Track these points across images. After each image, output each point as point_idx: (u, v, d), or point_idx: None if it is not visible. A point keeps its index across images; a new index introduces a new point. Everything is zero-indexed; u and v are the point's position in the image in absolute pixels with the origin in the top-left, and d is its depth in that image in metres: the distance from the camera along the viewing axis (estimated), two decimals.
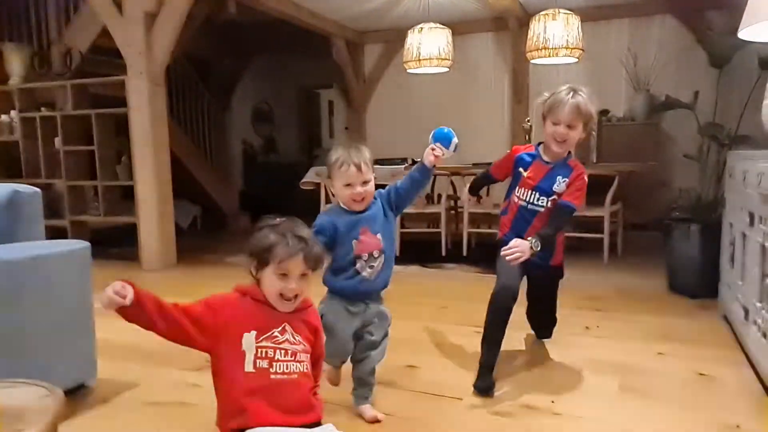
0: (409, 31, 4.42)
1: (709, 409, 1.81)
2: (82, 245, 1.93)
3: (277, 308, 1.29)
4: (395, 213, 1.77)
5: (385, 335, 1.76)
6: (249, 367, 1.24)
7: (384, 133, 6.20)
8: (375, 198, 1.72)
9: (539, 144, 2.07)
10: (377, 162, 4.94)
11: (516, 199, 2.04)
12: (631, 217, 4.48)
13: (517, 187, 2.03)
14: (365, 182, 1.63)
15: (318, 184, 4.64)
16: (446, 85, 5.71)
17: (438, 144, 1.73)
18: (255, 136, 7.94)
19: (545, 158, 2.01)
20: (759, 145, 2.38)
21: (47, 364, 1.74)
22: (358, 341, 1.72)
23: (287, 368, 1.26)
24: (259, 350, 1.25)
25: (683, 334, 2.56)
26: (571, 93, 1.91)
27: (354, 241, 1.64)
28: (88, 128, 4.51)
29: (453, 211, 4.92)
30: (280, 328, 1.29)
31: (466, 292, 3.38)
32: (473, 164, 4.43)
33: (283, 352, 1.27)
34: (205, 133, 6.41)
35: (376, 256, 1.67)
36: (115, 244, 4.83)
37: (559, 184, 1.97)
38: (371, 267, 1.67)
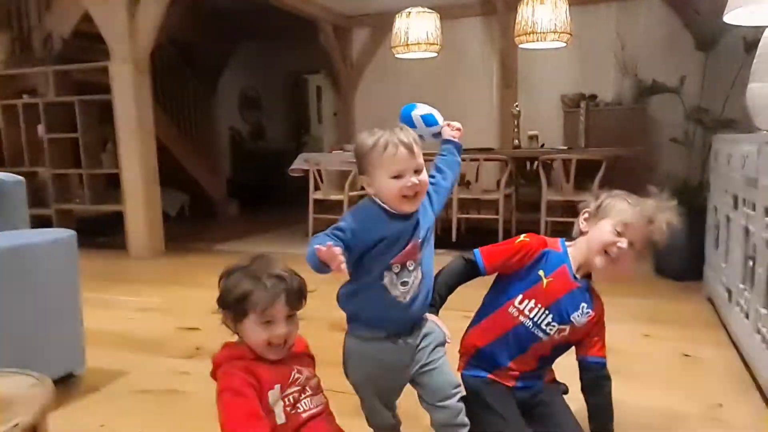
0: (396, 16, 4.39)
1: (694, 388, 1.85)
2: (67, 234, 1.91)
3: (268, 357, 1.16)
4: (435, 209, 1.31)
5: (442, 356, 1.29)
6: (281, 420, 1.15)
7: (372, 118, 6.16)
8: None
9: (565, 243, 1.43)
10: None
11: (514, 311, 1.38)
12: None
13: (523, 295, 1.38)
14: (418, 171, 1.19)
15: (306, 171, 4.63)
16: (435, 70, 5.68)
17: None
18: (242, 122, 7.88)
19: (575, 271, 1.39)
20: (744, 128, 2.40)
21: (35, 354, 1.74)
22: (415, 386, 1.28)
23: (312, 403, 1.20)
24: (286, 399, 1.17)
25: (669, 315, 2.60)
26: (652, 207, 1.35)
27: (395, 257, 1.20)
28: (72, 115, 4.45)
29: None
30: (295, 370, 1.20)
31: None
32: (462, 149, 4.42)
33: (303, 390, 1.20)
34: (192, 120, 6.34)
35: (411, 268, 1.21)
36: (102, 232, 4.80)
37: (582, 315, 1.37)
38: (404, 284, 1.21)
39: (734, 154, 2.26)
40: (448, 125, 1.41)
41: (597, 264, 1.35)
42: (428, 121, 1.41)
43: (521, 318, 1.37)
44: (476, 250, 1.41)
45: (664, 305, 2.74)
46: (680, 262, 3.09)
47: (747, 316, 1.95)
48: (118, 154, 4.20)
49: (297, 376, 1.20)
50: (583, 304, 1.38)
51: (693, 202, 3.10)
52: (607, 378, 1.41)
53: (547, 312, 1.36)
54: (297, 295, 1.15)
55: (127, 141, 4.12)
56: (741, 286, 2.05)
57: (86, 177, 4.56)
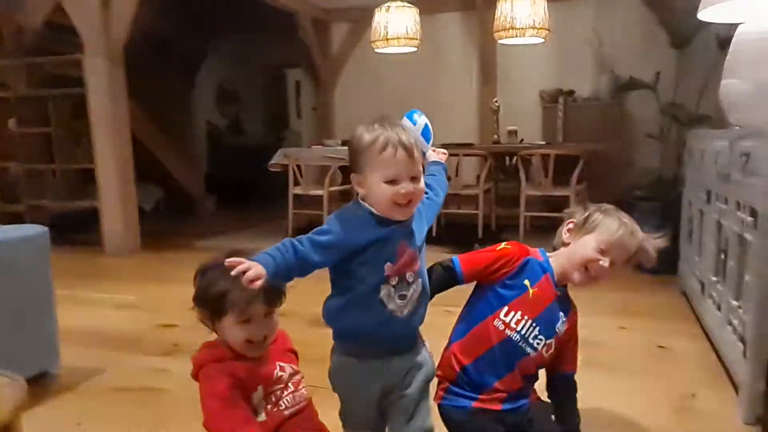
0: (376, 10, 4.37)
1: (668, 379, 1.89)
2: (39, 230, 1.87)
3: (248, 355, 1.15)
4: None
5: (425, 395, 1.19)
6: (261, 418, 1.15)
7: (352, 113, 6.14)
8: None
9: (545, 252, 1.38)
10: (345, 143, 4.93)
11: (500, 324, 1.29)
12: (596, 196, 4.57)
13: (509, 307, 1.29)
14: (416, 178, 1.08)
15: (286, 166, 4.59)
16: (414, 65, 5.68)
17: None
18: (220, 117, 7.78)
19: (557, 279, 1.33)
20: (718, 125, 2.45)
21: (7, 353, 1.70)
22: (384, 414, 1.18)
23: (294, 400, 1.20)
24: (268, 398, 1.17)
25: (644, 308, 2.65)
26: (639, 231, 1.34)
27: (388, 264, 1.10)
28: (44, 109, 4.35)
29: None
30: (277, 368, 1.19)
31: None
32: (441, 145, 4.43)
33: (285, 387, 1.20)
34: (168, 114, 6.23)
35: (410, 280, 1.12)
36: (77, 229, 4.70)
37: (561, 325, 1.33)
38: (402, 297, 1.11)
39: (707, 150, 2.31)
40: (434, 150, 1.37)
41: (575, 279, 1.31)
42: (426, 134, 1.33)
43: (508, 332, 1.28)
44: (455, 258, 1.32)
45: (640, 298, 2.79)
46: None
47: (719, 308, 1.99)
48: (92, 149, 4.12)
49: (280, 374, 1.19)
50: (562, 314, 1.33)
51: (668, 196, 3.16)
52: (576, 384, 1.39)
53: (534, 324, 1.28)
54: (275, 293, 1.13)
55: (101, 135, 4.04)
56: (713, 278, 2.10)
57: (59, 172, 4.47)
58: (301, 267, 1.05)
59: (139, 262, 3.97)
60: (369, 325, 1.11)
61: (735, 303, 1.78)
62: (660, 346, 2.17)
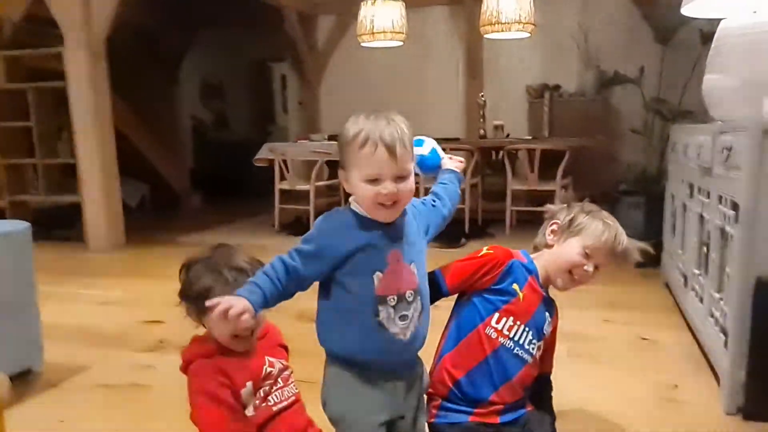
0: (362, 3, 4.35)
1: (651, 370, 1.91)
2: (21, 226, 1.85)
3: (236, 350, 1.15)
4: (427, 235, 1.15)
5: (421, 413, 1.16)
6: (250, 412, 1.15)
7: (338, 107, 6.12)
8: (405, 210, 1.07)
9: (527, 253, 1.33)
10: (332, 138, 4.91)
11: (492, 332, 1.23)
12: (581, 190, 4.61)
13: (499, 313, 1.23)
14: (401, 177, 0.99)
15: (272, 161, 4.56)
16: (400, 59, 5.67)
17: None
18: (205, 111, 7.70)
19: (542, 281, 1.30)
20: (701, 119, 2.48)
21: None
22: None
23: (283, 395, 1.19)
24: (257, 393, 1.16)
25: (628, 301, 2.68)
26: (623, 235, 1.30)
27: (377, 274, 1.01)
28: (25, 103, 4.27)
29: None
30: (266, 364, 1.19)
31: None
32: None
33: (275, 382, 1.20)
34: (152, 109, 6.15)
35: (410, 299, 1.04)
36: (59, 225, 4.63)
37: (548, 326, 1.30)
38: (403, 318, 1.03)
39: (690, 144, 2.33)
40: (450, 158, 1.31)
41: (558, 284, 1.29)
42: (426, 163, 1.29)
43: (501, 339, 1.22)
44: (437, 270, 1.25)
45: (624, 291, 2.82)
46: None
47: (701, 301, 2.02)
48: (74, 144, 4.06)
49: (269, 369, 1.19)
50: (547, 314, 1.29)
51: (652, 190, 3.20)
52: (551, 384, 1.39)
53: (526, 329, 1.24)
54: None
55: (83, 129, 3.98)
56: (696, 271, 2.13)
57: (41, 167, 4.40)
58: (297, 282, 1.00)
59: (124, 258, 3.93)
60: (369, 351, 1.02)
61: (717, 295, 1.81)
62: (643, 338, 2.20)
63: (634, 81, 3.74)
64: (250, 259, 1.16)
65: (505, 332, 1.22)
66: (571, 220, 1.29)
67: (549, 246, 1.31)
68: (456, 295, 1.31)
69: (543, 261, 1.30)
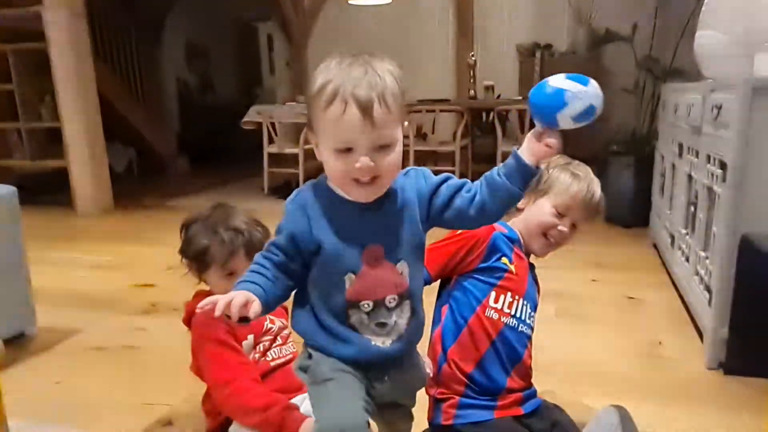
0: None
1: (636, 328, 1.96)
2: (8, 190, 1.82)
3: None
4: (430, 225, 0.89)
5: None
6: None
7: None
8: (395, 189, 0.84)
9: (504, 222, 1.21)
10: None
11: (494, 313, 1.13)
12: (571, 151, 4.60)
13: (495, 291, 1.14)
14: (383, 146, 0.77)
15: (260, 124, 4.50)
16: (389, 17, 5.55)
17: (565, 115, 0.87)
18: (190, 74, 7.53)
19: (524, 249, 1.22)
20: (692, 78, 2.46)
21: None
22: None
23: (281, 352, 1.22)
24: (257, 347, 1.19)
25: (615, 261, 2.72)
26: (596, 185, 1.22)
27: (349, 275, 0.83)
28: (5, 65, 4.16)
29: None
30: (267, 320, 1.21)
31: None
32: (418, 101, 4.39)
33: (274, 339, 1.23)
34: (135, 72, 6.02)
35: (391, 305, 0.85)
36: (46, 190, 4.58)
37: (536, 295, 1.25)
38: (381, 325, 0.85)
39: (681, 103, 2.33)
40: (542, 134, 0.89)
41: (536, 250, 1.21)
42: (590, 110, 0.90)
43: (504, 319, 1.13)
44: None
45: (612, 251, 2.86)
46: (628, 210, 3.21)
47: (687, 260, 2.05)
48: (57, 107, 3.97)
49: (270, 326, 1.23)
50: (534, 282, 1.23)
51: (641, 151, 3.20)
52: None
53: (524, 302, 1.16)
54: (257, 248, 1.11)
55: (66, 92, 3.89)
56: (683, 231, 2.15)
57: (25, 131, 4.31)
58: (290, 275, 0.84)
59: (113, 222, 3.90)
60: (348, 353, 0.85)
61: (703, 254, 1.84)
62: (629, 297, 2.24)
63: (626, 39, 3.69)
64: (248, 219, 1.19)
65: (506, 310, 1.14)
66: (538, 179, 1.15)
67: (519, 210, 1.22)
68: (438, 283, 1.20)
69: (517, 227, 1.22)
